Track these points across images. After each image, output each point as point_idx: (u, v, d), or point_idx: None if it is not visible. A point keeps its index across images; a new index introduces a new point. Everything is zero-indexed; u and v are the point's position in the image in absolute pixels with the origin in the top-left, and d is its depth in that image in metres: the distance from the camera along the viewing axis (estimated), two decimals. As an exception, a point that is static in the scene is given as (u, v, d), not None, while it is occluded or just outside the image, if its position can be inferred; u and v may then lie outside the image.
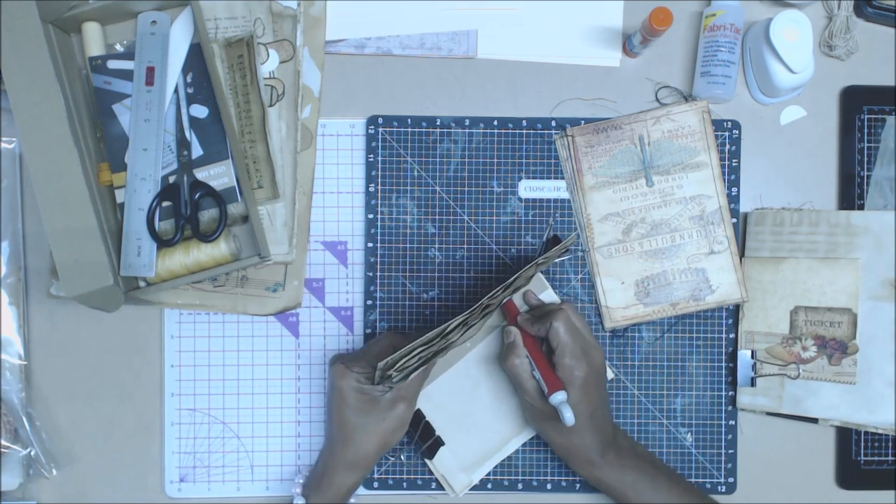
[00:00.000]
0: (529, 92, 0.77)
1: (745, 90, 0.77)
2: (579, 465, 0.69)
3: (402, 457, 0.75)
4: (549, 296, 0.75)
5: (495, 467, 0.75)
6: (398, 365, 0.61)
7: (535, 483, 0.76)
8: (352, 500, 0.71)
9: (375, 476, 0.75)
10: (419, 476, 0.76)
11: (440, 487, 0.75)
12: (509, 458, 0.75)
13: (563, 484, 0.76)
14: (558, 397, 0.65)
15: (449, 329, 0.62)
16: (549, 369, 0.67)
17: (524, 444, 0.75)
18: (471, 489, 0.75)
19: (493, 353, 0.75)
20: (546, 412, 0.67)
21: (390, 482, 0.75)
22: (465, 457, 0.74)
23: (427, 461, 0.74)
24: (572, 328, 0.68)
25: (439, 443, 0.74)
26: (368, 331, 0.76)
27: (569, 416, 0.64)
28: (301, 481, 0.70)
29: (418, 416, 0.73)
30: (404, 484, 0.75)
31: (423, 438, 0.74)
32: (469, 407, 0.74)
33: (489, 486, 0.75)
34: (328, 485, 0.68)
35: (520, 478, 0.76)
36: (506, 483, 0.76)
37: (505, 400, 0.74)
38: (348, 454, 0.67)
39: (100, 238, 0.66)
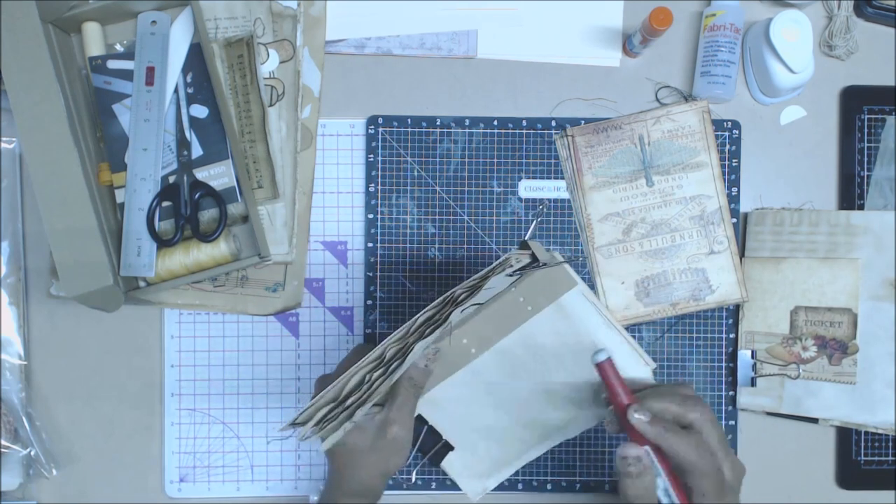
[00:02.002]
0: (529, 92, 0.77)
1: (745, 90, 0.77)
2: None
3: (414, 477, 0.74)
4: (599, 327, 0.64)
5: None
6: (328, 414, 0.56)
7: (535, 483, 0.76)
8: None
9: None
10: (419, 476, 0.75)
11: (440, 487, 0.75)
12: (509, 458, 0.75)
13: (563, 484, 0.76)
14: None
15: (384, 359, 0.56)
16: (675, 481, 0.55)
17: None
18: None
19: (501, 361, 0.67)
20: None
21: (390, 482, 0.75)
22: (477, 463, 0.70)
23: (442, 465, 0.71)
24: (708, 448, 0.54)
25: (447, 448, 0.69)
26: (368, 331, 0.76)
27: None
28: (315, 499, 0.66)
29: (420, 421, 0.68)
30: (404, 484, 0.75)
31: (426, 446, 0.69)
32: (481, 413, 0.68)
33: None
34: None
35: (520, 478, 0.76)
36: (506, 483, 0.76)
37: (525, 407, 0.68)
38: (348, 487, 0.62)
39: (100, 238, 0.66)
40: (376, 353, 0.56)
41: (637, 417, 0.54)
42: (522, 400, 0.68)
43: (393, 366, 0.57)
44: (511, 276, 0.59)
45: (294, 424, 0.59)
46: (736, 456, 0.56)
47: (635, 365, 0.65)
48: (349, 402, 0.57)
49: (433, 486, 0.76)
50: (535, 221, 0.64)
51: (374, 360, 0.56)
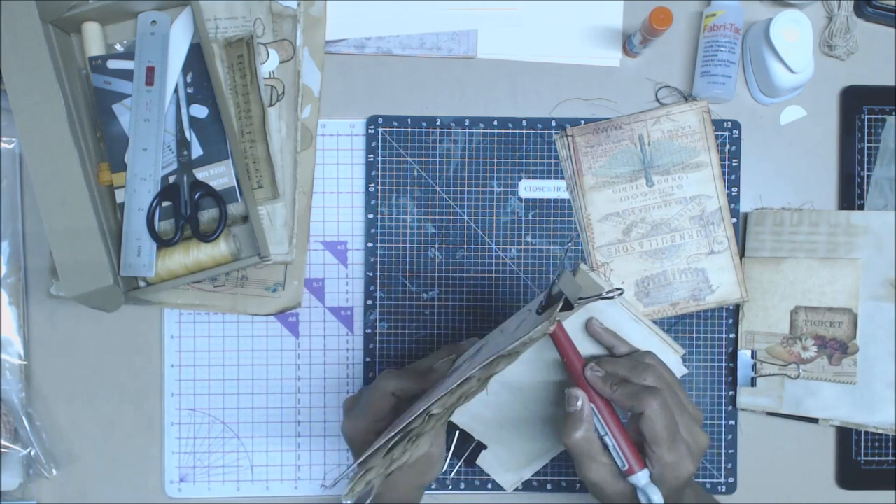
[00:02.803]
0: (529, 92, 0.77)
1: (745, 90, 0.77)
2: None
3: (450, 482, 0.74)
4: (625, 321, 0.63)
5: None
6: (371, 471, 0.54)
7: (535, 483, 0.76)
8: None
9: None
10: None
11: (440, 487, 0.75)
12: (509, 458, 0.75)
13: (563, 484, 0.76)
14: (642, 478, 0.54)
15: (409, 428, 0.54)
16: (629, 441, 0.55)
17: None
18: (470, 489, 0.75)
19: (531, 360, 0.64)
20: (617, 490, 0.56)
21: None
22: (510, 459, 0.72)
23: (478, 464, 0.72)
24: (669, 415, 0.55)
25: (481, 447, 0.70)
26: (368, 331, 0.76)
27: (657, 499, 0.54)
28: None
29: (451, 426, 0.69)
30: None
31: (459, 448, 0.71)
32: (511, 411, 0.68)
33: (489, 485, 0.75)
34: None
35: (520, 478, 0.76)
36: (506, 483, 0.76)
37: (554, 402, 0.67)
38: (386, 500, 0.60)
39: (100, 238, 0.66)
40: (417, 415, 0.53)
41: (590, 374, 0.57)
42: (552, 395, 0.68)
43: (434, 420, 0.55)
44: (540, 313, 0.57)
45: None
46: (700, 430, 0.57)
47: (666, 355, 0.65)
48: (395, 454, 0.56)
49: (433, 486, 0.76)
50: (564, 255, 0.61)
51: (417, 416, 0.54)
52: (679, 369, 0.66)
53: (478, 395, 0.57)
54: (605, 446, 0.56)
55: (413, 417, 0.52)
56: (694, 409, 0.58)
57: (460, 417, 0.69)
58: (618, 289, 0.56)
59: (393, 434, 0.52)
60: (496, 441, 0.71)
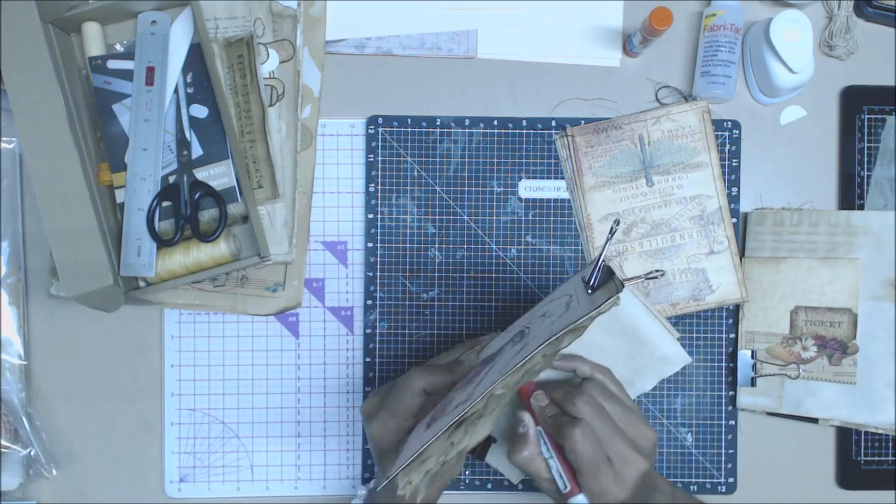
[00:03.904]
0: (529, 92, 0.77)
1: (745, 90, 0.77)
2: None
3: (466, 478, 0.75)
4: (641, 314, 0.66)
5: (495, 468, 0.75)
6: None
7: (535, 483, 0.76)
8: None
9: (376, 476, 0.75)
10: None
11: (455, 488, 0.75)
12: (509, 458, 0.75)
13: (563, 484, 0.76)
14: (580, 500, 0.58)
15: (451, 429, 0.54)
16: (566, 463, 0.59)
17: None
18: (470, 489, 0.75)
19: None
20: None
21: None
22: None
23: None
24: (591, 446, 0.57)
25: (490, 440, 0.69)
26: (368, 331, 0.76)
27: None
28: (363, 493, 0.66)
29: None
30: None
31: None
32: (519, 405, 0.68)
33: (489, 486, 0.75)
34: None
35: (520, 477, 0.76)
36: (506, 483, 0.76)
37: None
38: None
39: (100, 238, 0.66)
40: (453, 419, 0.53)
41: (533, 401, 0.60)
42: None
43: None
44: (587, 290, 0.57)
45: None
46: (631, 451, 0.58)
47: (667, 341, 0.69)
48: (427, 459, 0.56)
49: (433, 486, 0.76)
50: (606, 242, 0.59)
51: (452, 424, 0.54)
52: (682, 357, 0.70)
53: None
54: (549, 468, 0.59)
55: (475, 401, 0.52)
56: (630, 411, 0.60)
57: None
58: (659, 270, 0.56)
59: (450, 422, 0.52)
60: (504, 436, 0.70)
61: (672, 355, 0.70)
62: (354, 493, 0.70)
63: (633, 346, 0.69)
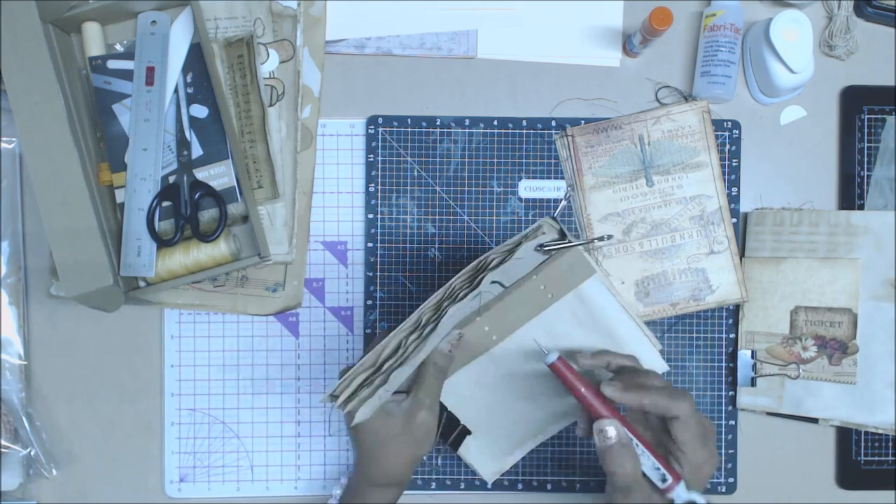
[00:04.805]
0: (529, 92, 0.77)
1: (745, 90, 0.77)
2: None
3: (438, 461, 0.75)
4: (615, 313, 0.66)
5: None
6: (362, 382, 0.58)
7: (535, 483, 0.76)
8: None
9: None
10: (419, 476, 0.76)
11: (440, 487, 0.76)
12: (509, 458, 0.75)
13: (564, 484, 0.76)
14: (681, 490, 0.55)
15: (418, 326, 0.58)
16: (660, 457, 0.57)
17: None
18: (470, 489, 0.75)
19: (520, 347, 0.67)
20: (646, 498, 0.56)
21: (390, 482, 0.75)
22: (492, 446, 0.72)
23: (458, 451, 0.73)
24: (698, 417, 0.56)
25: (465, 432, 0.71)
26: (368, 331, 0.76)
27: (701, 500, 0.55)
28: (338, 492, 0.68)
29: (440, 408, 0.69)
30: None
31: (447, 430, 0.71)
32: (497, 398, 0.70)
33: (489, 486, 0.75)
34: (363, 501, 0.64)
35: (520, 478, 0.76)
36: (506, 483, 0.76)
37: (536, 390, 0.69)
38: (376, 475, 0.63)
39: (100, 238, 0.66)
40: (413, 319, 0.56)
41: (609, 390, 0.56)
42: (538, 384, 0.69)
43: (427, 330, 0.57)
44: (540, 250, 0.60)
45: (332, 396, 0.60)
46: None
47: (648, 351, 0.68)
48: (385, 367, 0.58)
49: (433, 486, 0.76)
50: (564, 201, 0.65)
51: (410, 325, 0.56)
52: (661, 365, 0.68)
53: (465, 374, 0.64)
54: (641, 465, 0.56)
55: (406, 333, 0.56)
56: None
57: (447, 399, 0.70)
58: (609, 235, 0.64)
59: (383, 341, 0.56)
60: (480, 428, 0.71)
61: (647, 360, 0.66)
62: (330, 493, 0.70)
63: (606, 345, 0.67)
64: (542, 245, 0.59)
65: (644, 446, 0.56)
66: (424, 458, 0.75)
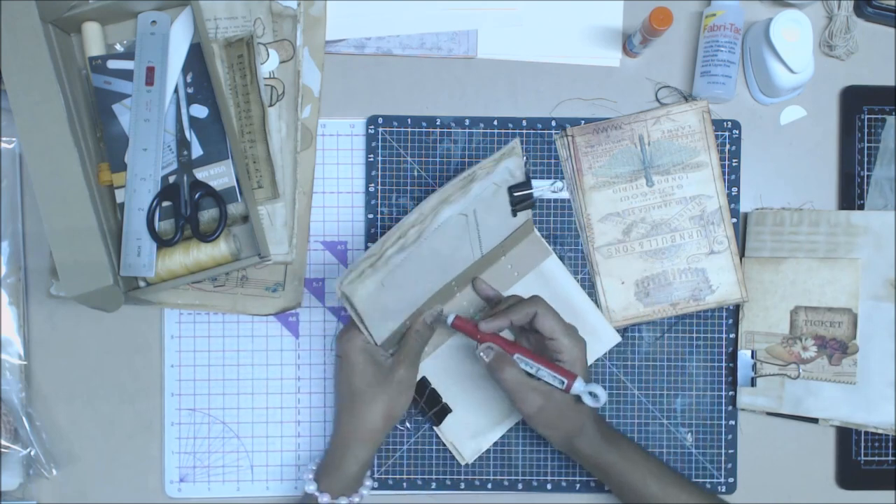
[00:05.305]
0: (529, 92, 0.77)
1: (745, 90, 0.77)
2: (588, 441, 0.67)
3: (407, 424, 0.75)
4: (600, 323, 0.74)
5: (495, 465, 0.75)
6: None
7: (535, 483, 0.76)
8: (364, 492, 0.69)
9: (375, 476, 0.75)
10: (419, 476, 0.76)
11: (440, 487, 0.76)
12: (509, 457, 0.75)
13: (563, 484, 0.76)
14: (579, 384, 0.64)
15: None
16: (550, 362, 0.66)
17: (524, 444, 0.75)
18: (470, 489, 0.75)
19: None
20: (560, 407, 0.65)
21: (390, 482, 0.75)
22: (473, 424, 0.74)
23: (435, 428, 0.74)
24: (553, 310, 0.67)
25: (446, 410, 0.74)
26: (368, 331, 0.76)
27: (602, 394, 0.64)
28: (313, 468, 0.69)
29: (424, 384, 0.73)
30: (404, 484, 0.75)
31: (429, 405, 0.73)
32: (476, 375, 0.73)
33: (489, 485, 0.75)
34: (339, 465, 0.67)
35: (520, 478, 0.76)
36: (506, 483, 0.76)
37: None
38: (356, 427, 0.67)
39: (100, 238, 0.66)
40: (413, 216, 0.60)
41: (484, 325, 0.66)
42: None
43: (427, 222, 0.62)
44: (511, 194, 0.67)
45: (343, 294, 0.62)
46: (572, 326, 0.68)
47: (602, 322, 0.75)
48: (387, 255, 0.61)
49: (433, 486, 0.76)
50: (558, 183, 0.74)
51: (412, 221, 0.61)
52: (613, 336, 0.75)
53: (445, 350, 0.73)
54: (537, 379, 0.65)
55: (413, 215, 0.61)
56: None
57: (430, 376, 0.73)
58: (556, 183, 0.73)
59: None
60: (460, 406, 0.74)
61: (600, 329, 0.74)
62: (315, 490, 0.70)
63: (567, 319, 0.71)
64: (510, 189, 0.66)
65: (534, 360, 0.65)
66: (424, 456, 0.75)
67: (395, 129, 0.76)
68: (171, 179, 0.72)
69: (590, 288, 0.75)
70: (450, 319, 0.68)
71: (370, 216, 0.76)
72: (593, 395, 0.64)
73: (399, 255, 0.61)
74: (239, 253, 0.73)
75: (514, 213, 0.69)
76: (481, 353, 0.66)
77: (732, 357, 0.76)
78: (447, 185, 0.62)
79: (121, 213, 0.71)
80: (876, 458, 0.75)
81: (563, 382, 0.65)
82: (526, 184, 0.67)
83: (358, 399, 0.67)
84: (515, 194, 0.67)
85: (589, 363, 0.74)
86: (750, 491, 0.76)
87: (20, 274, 0.75)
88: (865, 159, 0.76)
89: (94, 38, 0.72)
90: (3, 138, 0.75)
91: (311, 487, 0.67)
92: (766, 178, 0.77)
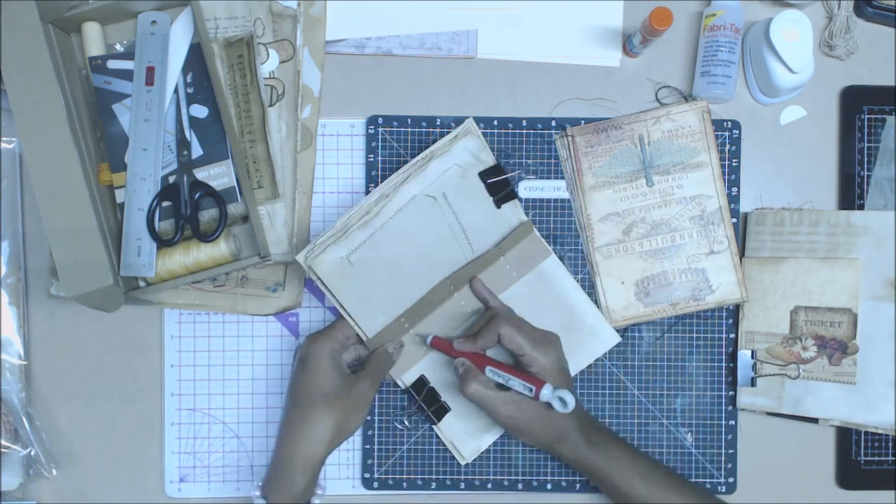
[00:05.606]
0: (529, 92, 0.77)
1: (745, 90, 0.77)
2: (570, 445, 0.68)
3: (406, 423, 0.75)
4: (600, 323, 0.75)
5: (495, 465, 0.75)
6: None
7: (535, 483, 0.76)
8: (315, 501, 0.68)
9: (375, 476, 0.75)
10: (419, 476, 0.76)
11: (440, 487, 0.76)
12: (509, 457, 0.75)
13: (563, 484, 0.76)
14: (547, 391, 0.65)
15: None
16: (520, 372, 0.67)
17: (524, 444, 0.75)
18: (470, 489, 0.75)
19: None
20: (533, 414, 0.66)
21: (390, 482, 0.75)
22: (472, 423, 0.74)
23: (435, 428, 0.74)
24: (519, 324, 0.68)
25: (445, 408, 0.74)
26: (368, 331, 0.76)
27: (570, 399, 0.64)
28: (259, 483, 0.68)
29: (422, 382, 0.73)
30: (404, 484, 0.75)
31: (427, 403, 0.73)
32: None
33: (489, 485, 0.75)
34: (284, 481, 0.65)
35: (520, 478, 0.76)
36: (506, 483, 0.76)
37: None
38: (299, 449, 0.65)
39: (100, 238, 0.66)
40: (377, 195, 0.65)
41: (457, 345, 0.68)
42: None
43: (388, 199, 0.66)
44: (482, 179, 0.70)
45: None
46: (545, 330, 0.70)
47: (601, 322, 0.75)
48: (349, 231, 0.63)
49: (433, 486, 0.76)
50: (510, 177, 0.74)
51: (374, 201, 0.64)
52: (613, 336, 0.75)
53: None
54: (508, 389, 0.66)
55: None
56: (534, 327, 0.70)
57: (429, 375, 0.73)
58: (517, 171, 0.74)
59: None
60: (462, 404, 0.73)
61: (600, 329, 0.74)
62: (322, 493, 0.70)
63: (566, 319, 0.74)
64: (480, 174, 0.69)
65: (504, 371, 0.66)
66: (423, 456, 0.75)
67: (395, 129, 0.76)
68: (171, 179, 0.72)
69: (590, 288, 0.75)
70: (428, 339, 0.71)
71: (370, 216, 0.76)
72: (562, 400, 0.65)
73: (363, 230, 0.63)
74: (239, 253, 0.73)
75: (498, 206, 0.70)
76: (459, 368, 0.68)
77: (732, 357, 0.76)
78: (406, 165, 0.63)
79: (121, 213, 0.71)
80: (876, 458, 0.75)
81: (531, 390, 0.65)
82: (497, 169, 0.68)
83: (309, 409, 0.66)
84: (489, 181, 0.68)
85: (589, 363, 0.74)
86: (750, 491, 0.76)
87: (20, 274, 0.75)
88: (865, 159, 0.76)
89: (94, 38, 0.72)
90: (3, 138, 0.75)
91: (260, 502, 0.66)
92: (766, 178, 0.77)
